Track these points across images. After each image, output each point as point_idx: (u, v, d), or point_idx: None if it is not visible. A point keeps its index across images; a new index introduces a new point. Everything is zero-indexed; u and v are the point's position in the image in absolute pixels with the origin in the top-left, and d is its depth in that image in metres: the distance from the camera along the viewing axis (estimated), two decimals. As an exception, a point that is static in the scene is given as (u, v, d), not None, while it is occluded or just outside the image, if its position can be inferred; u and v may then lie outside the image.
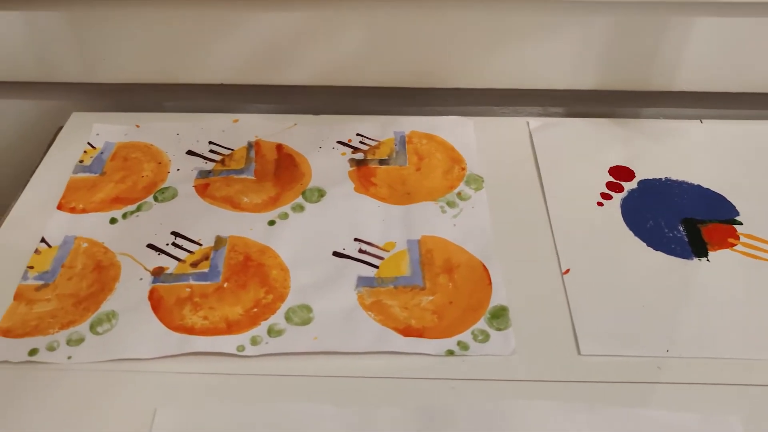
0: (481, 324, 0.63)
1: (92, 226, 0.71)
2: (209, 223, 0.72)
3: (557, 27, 0.84)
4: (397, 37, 0.85)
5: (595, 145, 0.82)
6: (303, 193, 0.76)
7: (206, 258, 0.68)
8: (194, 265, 0.67)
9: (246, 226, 0.72)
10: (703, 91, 0.88)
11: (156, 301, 0.64)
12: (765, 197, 0.76)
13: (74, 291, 0.65)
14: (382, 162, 0.80)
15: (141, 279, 0.66)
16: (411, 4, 0.82)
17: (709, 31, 0.83)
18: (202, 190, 0.76)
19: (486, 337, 0.62)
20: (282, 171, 0.79)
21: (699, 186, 0.77)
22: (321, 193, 0.76)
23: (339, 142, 0.82)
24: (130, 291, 0.65)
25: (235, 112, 0.87)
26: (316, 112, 0.87)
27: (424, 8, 0.82)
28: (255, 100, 0.88)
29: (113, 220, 0.72)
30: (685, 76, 0.87)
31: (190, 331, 0.61)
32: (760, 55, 0.85)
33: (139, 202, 0.74)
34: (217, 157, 0.80)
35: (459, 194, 0.76)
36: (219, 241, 0.70)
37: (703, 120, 0.85)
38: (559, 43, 0.85)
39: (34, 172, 0.78)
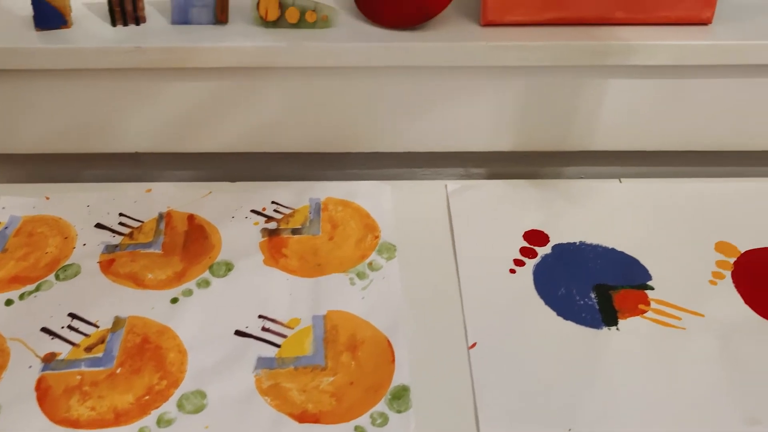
0: (381, 406, 0.61)
1: (-13, 309, 0.69)
2: (110, 302, 0.70)
3: (473, 91, 0.84)
4: (314, 103, 0.84)
5: (511, 209, 0.81)
6: (210, 267, 0.74)
7: (102, 341, 0.66)
8: (88, 349, 0.65)
9: (148, 304, 0.70)
10: (623, 150, 0.88)
11: (43, 392, 0.61)
12: (678, 259, 0.75)
13: (-40, 382, 0.62)
14: (295, 231, 0.78)
15: (30, 367, 0.64)
16: (326, 72, 0.81)
17: (623, 92, 0.83)
18: (107, 266, 0.74)
19: (385, 420, 0.60)
20: (191, 243, 0.77)
21: (613, 249, 0.76)
22: (229, 267, 0.74)
23: (253, 211, 0.81)
24: (17, 381, 0.62)
25: (151, 180, 0.85)
26: (233, 179, 0.85)
27: (340, 75, 0.82)
28: (171, 168, 0.87)
29: (9, 302, 0.70)
30: (603, 136, 0.87)
31: (75, 424, 0.59)
32: (674, 115, 0.85)
33: (39, 281, 0.72)
34: (126, 230, 0.78)
35: (370, 264, 0.74)
36: (117, 323, 0.68)
37: (622, 179, 0.85)
38: (477, 106, 0.85)
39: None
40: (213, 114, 0.85)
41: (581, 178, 0.87)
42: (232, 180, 0.85)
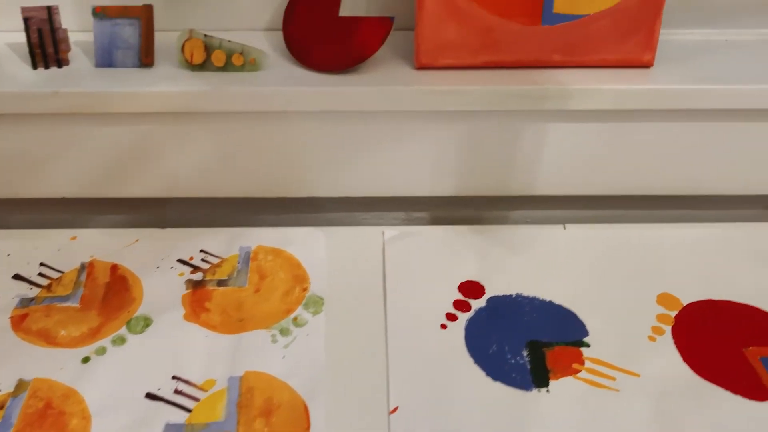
0: (290, 478, 0.58)
1: None
2: (16, 363, 0.66)
3: (409, 135, 0.81)
4: (244, 147, 0.81)
5: (449, 258, 0.78)
6: (128, 323, 0.71)
7: (1, 407, 0.62)
8: (-14, 416, 0.62)
9: (57, 364, 0.66)
10: (568, 195, 0.85)
11: (-70, 465, 0.58)
12: (617, 312, 0.72)
13: None
14: (220, 283, 0.75)
15: None
16: (254, 116, 0.79)
17: (563, 136, 0.81)
18: (18, 322, 0.71)
19: (293, 495, 0.57)
20: (111, 296, 0.74)
21: (551, 302, 0.73)
22: (147, 323, 0.71)
23: (180, 261, 0.78)
24: None
25: (80, 226, 0.82)
26: (164, 225, 0.82)
27: (268, 120, 0.79)
28: (100, 213, 0.84)
29: None
30: (546, 180, 0.84)
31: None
32: (616, 158, 0.83)
33: (-54, 340, 0.69)
34: (45, 282, 0.75)
35: (295, 320, 0.71)
36: (20, 386, 0.64)
37: (566, 225, 0.82)
38: (415, 151, 0.82)
39: None
40: (141, 158, 0.82)
41: (526, 223, 0.84)
42: (163, 226, 0.82)
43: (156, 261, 0.78)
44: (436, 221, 0.84)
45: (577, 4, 0.75)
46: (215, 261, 0.78)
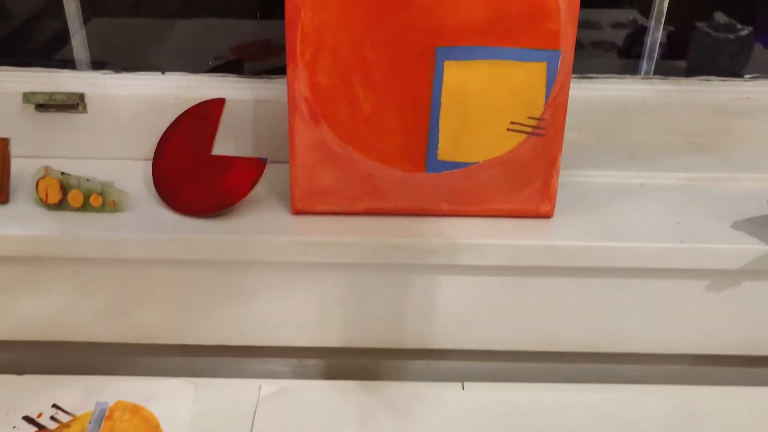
0: None
1: None
2: None
3: (289, 285, 0.73)
4: (106, 292, 0.74)
5: (328, 421, 0.70)
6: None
7: None
8: None
9: None
10: (467, 350, 0.77)
11: None
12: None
13: None
14: (64, 449, 0.68)
15: None
16: (118, 264, 0.72)
17: (454, 289, 0.73)
18: None
19: None
20: (-63, 464, 0.66)
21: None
22: (-33, 501, 0.63)
23: (25, 418, 0.70)
24: None
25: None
26: (22, 371, 0.75)
27: (133, 267, 0.72)
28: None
29: None
30: (441, 334, 0.77)
31: None
32: (512, 314, 0.75)
33: None
34: None
35: (134, 502, 0.63)
36: None
37: (464, 384, 0.74)
38: (295, 301, 0.75)
39: None
40: (-4, 299, 0.75)
41: (421, 379, 0.76)
42: (20, 372, 0.75)
43: (1, 416, 0.70)
44: (321, 373, 0.76)
45: (462, 152, 0.68)
46: (65, 419, 0.70)
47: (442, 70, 0.66)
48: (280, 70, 0.76)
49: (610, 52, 0.92)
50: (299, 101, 0.67)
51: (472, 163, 0.69)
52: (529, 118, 0.67)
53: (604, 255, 0.69)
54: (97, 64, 0.82)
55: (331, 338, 0.77)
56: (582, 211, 0.73)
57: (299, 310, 0.75)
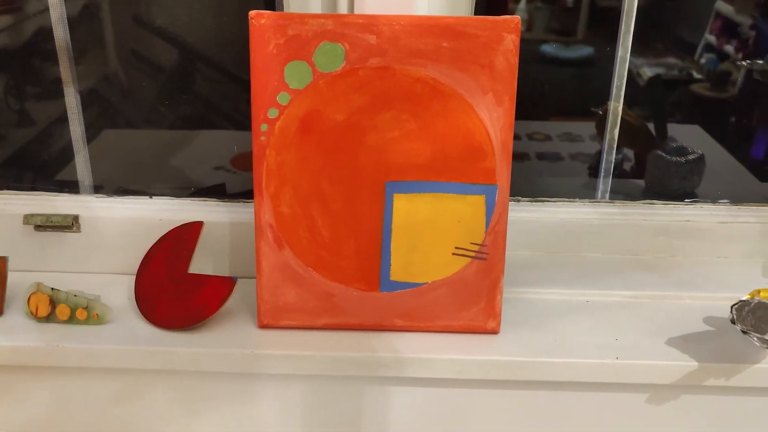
0: None
1: None
2: None
3: (255, 395, 0.79)
4: (86, 404, 0.80)
5: None
6: None
7: None
8: None
9: None
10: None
11: None
12: None
13: None
14: None
15: None
16: (95, 373, 0.78)
17: (407, 402, 0.79)
18: None
19: None
20: None
21: None
22: None
23: None
24: None
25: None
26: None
27: (115, 377, 0.79)
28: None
29: None
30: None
31: None
32: (461, 428, 0.80)
33: None
34: None
35: None
36: None
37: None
38: (258, 410, 0.80)
39: None
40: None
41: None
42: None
43: None
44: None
45: (412, 273, 0.75)
46: None
47: (392, 202, 0.73)
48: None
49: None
50: (265, 228, 0.74)
51: (422, 284, 0.75)
52: (471, 243, 0.74)
53: (545, 369, 0.75)
54: (97, 187, 0.91)
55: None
56: (528, 328, 0.78)
57: (265, 419, 0.81)
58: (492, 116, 0.71)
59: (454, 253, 0.75)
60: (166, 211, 0.86)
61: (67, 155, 0.92)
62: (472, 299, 0.76)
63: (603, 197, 0.93)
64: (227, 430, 0.81)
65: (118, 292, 0.83)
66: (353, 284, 0.76)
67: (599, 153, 0.95)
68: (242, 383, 0.78)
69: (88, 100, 0.90)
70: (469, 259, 0.75)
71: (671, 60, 1.24)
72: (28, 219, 0.84)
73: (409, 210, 0.74)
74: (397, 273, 0.75)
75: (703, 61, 1.23)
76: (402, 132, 0.72)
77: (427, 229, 0.74)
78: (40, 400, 0.80)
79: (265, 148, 0.72)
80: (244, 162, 0.97)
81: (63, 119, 0.89)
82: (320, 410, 0.80)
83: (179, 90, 1.00)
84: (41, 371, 0.78)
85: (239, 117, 1.00)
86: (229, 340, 0.76)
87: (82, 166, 0.91)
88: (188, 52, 0.98)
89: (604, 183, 0.95)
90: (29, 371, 0.79)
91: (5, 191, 0.88)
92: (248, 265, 0.84)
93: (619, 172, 1.05)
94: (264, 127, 0.72)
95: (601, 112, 0.96)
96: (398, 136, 0.72)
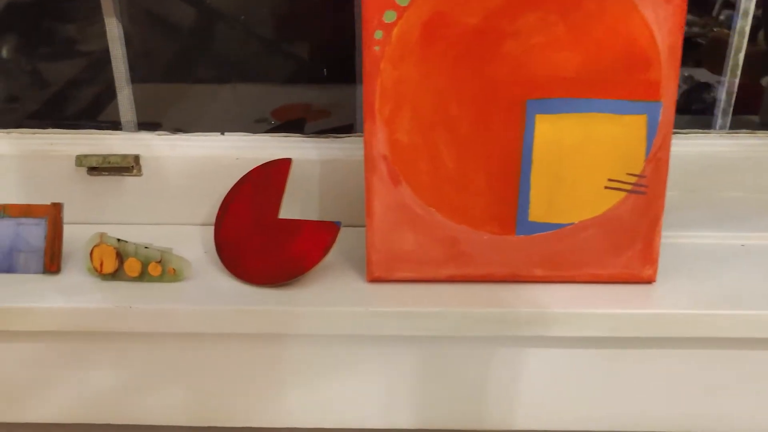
0: None
1: None
2: None
3: (360, 361, 0.67)
4: (161, 372, 0.68)
5: None
6: None
7: None
8: None
9: None
10: (550, 431, 0.70)
11: None
12: None
13: None
14: None
15: None
16: (176, 339, 0.66)
17: (544, 364, 0.66)
18: None
19: None
20: None
21: None
22: None
23: None
24: None
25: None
26: (67, 457, 0.68)
27: (194, 342, 0.66)
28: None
29: None
30: (525, 413, 0.69)
31: None
32: (610, 391, 0.68)
33: None
34: None
35: None
36: None
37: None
38: (366, 378, 0.68)
39: None
40: (37, 382, 0.69)
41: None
42: (65, 458, 0.68)
43: None
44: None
45: (556, 212, 0.62)
46: None
47: (534, 125, 0.60)
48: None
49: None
50: (377, 160, 0.61)
51: (567, 225, 0.63)
52: (628, 174, 0.62)
53: (715, 324, 0.62)
54: (145, 126, 0.77)
55: (399, 419, 0.70)
56: (684, 276, 0.66)
57: (368, 389, 0.68)
58: (659, 15, 0.58)
59: (606, 187, 0.62)
60: (241, 149, 0.73)
61: (109, 94, 0.78)
62: (626, 242, 0.63)
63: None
64: (330, 403, 0.69)
65: (189, 244, 0.71)
66: (483, 227, 0.63)
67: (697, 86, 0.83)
68: (349, 347, 0.66)
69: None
70: (624, 194, 0.62)
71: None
72: (81, 160, 0.71)
73: (553, 134, 0.61)
74: (536, 212, 0.63)
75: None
76: (547, 38, 0.59)
77: (574, 158, 0.61)
78: (107, 371, 0.68)
79: (380, 60, 0.59)
80: (286, 114, 0.84)
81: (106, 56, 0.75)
82: (440, 378, 0.67)
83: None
84: (109, 338, 0.66)
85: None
86: (336, 298, 0.64)
87: (125, 104, 0.78)
88: None
89: (723, 118, 0.82)
90: (94, 338, 0.66)
91: (51, 130, 0.75)
92: (342, 210, 0.72)
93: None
94: (378, 35, 0.59)
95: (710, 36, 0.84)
96: (543, 42, 0.59)
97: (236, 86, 0.84)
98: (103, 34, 0.74)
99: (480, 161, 0.61)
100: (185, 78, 0.84)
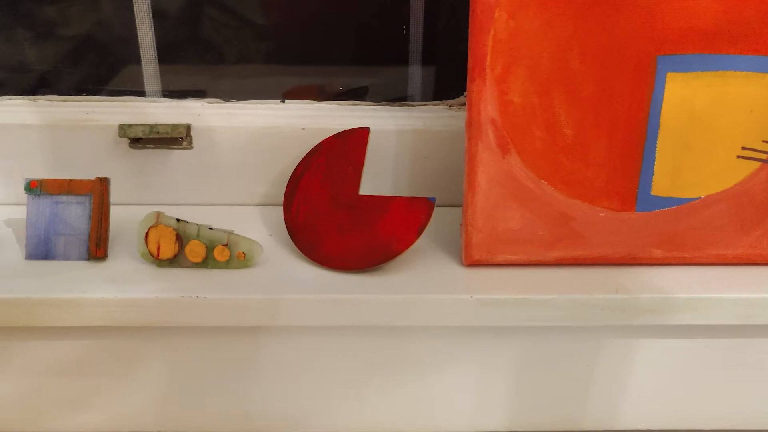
0: None
1: None
2: None
3: (453, 355, 0.59)
4: (219, 373, 0.59)
5: None
6: None
7: None
8: None
9: None
10: (664, 429, 0.63)
11: None
12: None
13: None
14: None
15: None
16: (246, 333, 0.57)
17: (660, 356, 0.59)
18: None
19: None
20: None
21: None
22: None
23: None
24: None
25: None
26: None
27: (263, 336, 0.58)
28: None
29: None
30: (634, 413, 0.62)
31: None
32: (734, 385, 0.61)
33: None
34: None
35: None
36: None
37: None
38: (457, 374, 0.60)
39: None
40: (78, 385, 0.60)
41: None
42: (110, 473, 0.59)
43: None
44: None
45: (681, 185, 0.55)
46: None
47: (664, 84, 0.53)
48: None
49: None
50: (485, 125, 0.54)
51: (693, 199, 0.56)
52: (764, 142, 0.55)
53: None
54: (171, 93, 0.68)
55: (494, 421, 0.63)
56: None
57: (461, 387, 0.61)
58: (811, -41, 0.51)
59: (739, 156, 0.55)
60: (305, 118, 0.64)
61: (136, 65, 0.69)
62: (758, 218, 0.56)
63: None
64: (412, 403, 0.61)
65: (249, 226, 0.62)
66: (601, 202, 0.56)
67: None
68: (445, 339, 0.58)
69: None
70: (758, 164, 0.55)
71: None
72: (124, 130, 0.62)
73: (685, 95, 0.53)
74: (660, 185, 0.55)
75: None
76: (684, -16, 0.51)
77: (706, 123, 0.54)
78: (164, 373, 0.59)
79: (494, 9, 0.51)
80: (296, 96, 0.75)
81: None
82: (534, 376, 0.60)
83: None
84: (167, 333, 0.57)
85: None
86: (433, 284, 0.56)
87: (150, 72, 0.68)
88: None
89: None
90: (150, 334, 0.57)
91: (85, 97, 0.65)
92: (423, 185, 0.64)
93: None
94: (492, -21, 0.51)
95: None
96: (678, -10, 0.51)
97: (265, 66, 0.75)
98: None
99: (601, 126, 0.54)
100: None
